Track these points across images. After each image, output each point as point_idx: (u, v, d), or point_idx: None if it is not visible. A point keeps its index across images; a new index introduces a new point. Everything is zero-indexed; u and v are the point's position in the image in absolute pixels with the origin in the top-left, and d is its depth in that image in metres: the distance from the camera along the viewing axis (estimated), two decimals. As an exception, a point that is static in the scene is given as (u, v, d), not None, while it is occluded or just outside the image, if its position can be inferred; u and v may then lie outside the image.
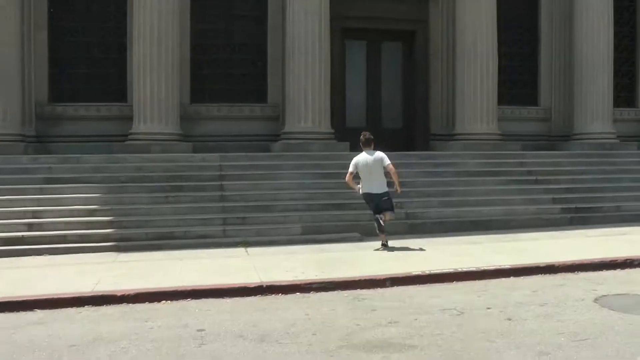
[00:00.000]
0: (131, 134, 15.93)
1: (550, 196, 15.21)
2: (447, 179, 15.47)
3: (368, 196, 11.75)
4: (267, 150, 16.65)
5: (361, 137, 11.93)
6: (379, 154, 11.62)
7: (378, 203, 11.61)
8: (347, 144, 16.25)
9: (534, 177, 16.04)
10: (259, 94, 18.36)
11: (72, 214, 12.73)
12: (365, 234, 12.71)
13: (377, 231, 11.69)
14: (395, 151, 16.74)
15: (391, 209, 11.70)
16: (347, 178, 11.73)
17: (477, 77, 17.61)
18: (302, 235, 12.73)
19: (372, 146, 11.82)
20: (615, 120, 19.32)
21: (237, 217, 13.08)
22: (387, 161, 11.50)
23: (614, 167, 17.26)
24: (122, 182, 13.99)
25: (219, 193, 13.94)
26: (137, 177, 14.20)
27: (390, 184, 11.84)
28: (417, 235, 13.08)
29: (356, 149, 16.12)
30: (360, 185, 11.77)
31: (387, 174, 11.65)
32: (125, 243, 12.00)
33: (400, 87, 19.61)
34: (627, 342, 6.24)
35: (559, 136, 20.00)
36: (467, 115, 17.76)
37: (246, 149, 16.37)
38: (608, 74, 18.72)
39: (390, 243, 11.79)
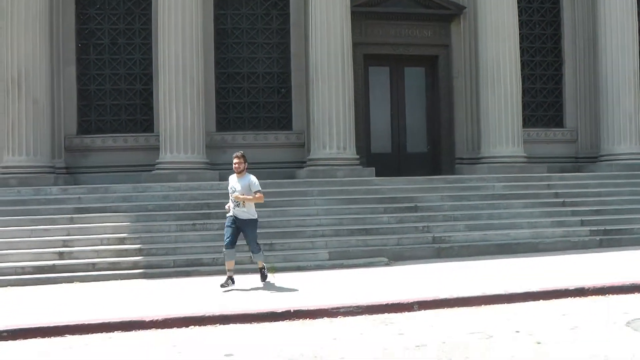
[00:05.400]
0: (158, 163, 16.13)
1: (579, 218, 15.02)
2: (474, 203, 15.37)
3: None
4: (293, 177, 16.74)
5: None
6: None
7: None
8: (373, 169, 16.33)
9: (561, 200, 15.89)
10: (283, 121, 18.54)
11: (101, 242, 12.92)
12: (393, 259, 12.77)
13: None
14: (422, 175, 16.85)
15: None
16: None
17: (501, 100, 17.58)
18: (329, 261, 12.75)
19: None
20: (644, 140, 19.10)
21: (265, 244, 13.06)
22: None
23: (643, 188, 17.00)
24: (150, 211, 14.17)
25: (245, 220, 13.99)
26: (165, 205, 14.36)
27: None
28: (444, 259, 13.05)
29: (381, 174, 16.25)
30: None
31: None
32: (153, 270, 12.14)
33: (425, 111, 19.64)
34: (659, 364, 6.14)
35: (586, 157, 19.85)
36: (493, 138, 17.71)
37: (272, 176, 16.45)
38: (635, 94, 18.52)
39: (417, 267, 11.76)
